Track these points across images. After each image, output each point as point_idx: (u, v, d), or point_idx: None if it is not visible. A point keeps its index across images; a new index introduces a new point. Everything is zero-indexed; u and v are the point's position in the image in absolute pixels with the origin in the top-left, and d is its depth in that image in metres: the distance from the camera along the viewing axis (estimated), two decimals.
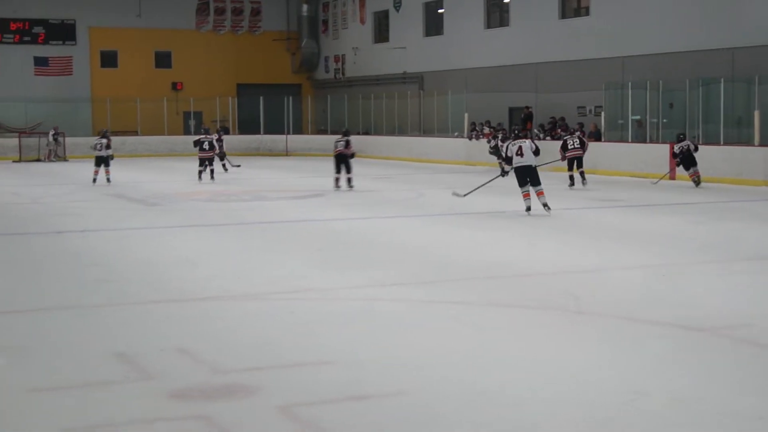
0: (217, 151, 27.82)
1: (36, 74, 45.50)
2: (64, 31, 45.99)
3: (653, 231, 15.06)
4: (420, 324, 8.54)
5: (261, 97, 44.74)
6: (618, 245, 13.42)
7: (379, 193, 22.18)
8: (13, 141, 40.03)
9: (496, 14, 37.54)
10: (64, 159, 38.50)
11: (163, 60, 47.62)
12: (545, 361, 7.18)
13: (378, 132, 41.25)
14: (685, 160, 23.49)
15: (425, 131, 38.69)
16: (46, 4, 45.51)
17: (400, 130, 40.41)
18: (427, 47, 40.75)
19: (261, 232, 15.46)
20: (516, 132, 19.53)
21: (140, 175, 28.79)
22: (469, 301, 9.50)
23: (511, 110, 35.99)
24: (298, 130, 45.89)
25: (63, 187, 25.11)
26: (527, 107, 34.03)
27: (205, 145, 26.52)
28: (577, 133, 24.90)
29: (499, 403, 6.19)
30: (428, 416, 5.94)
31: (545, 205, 17.02)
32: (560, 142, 24.80)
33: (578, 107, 32.30)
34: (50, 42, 45.80)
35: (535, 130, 31.81)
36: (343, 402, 6.21)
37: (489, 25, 37.63)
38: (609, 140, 29.02)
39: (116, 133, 36.27)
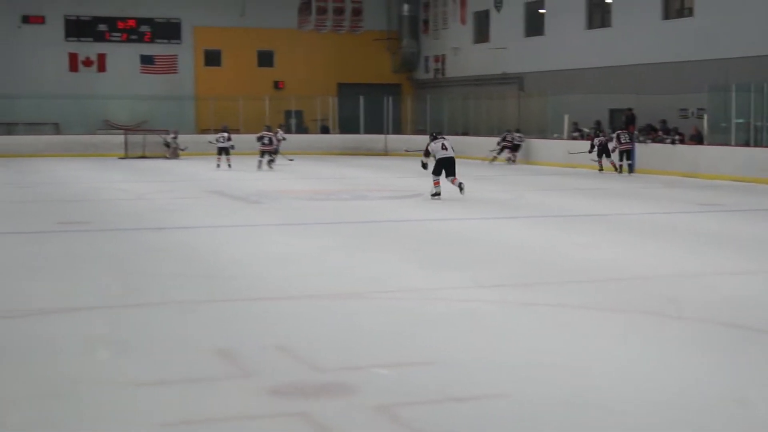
0: (276, 145, 31.88)
1: (142, 72, 46.41)
2: (169, 30, 46.85)
3: (755, 236, 14.78)
4: (520, 325, 8.52)
5: (361, 97, 44.97)
6: (718, 250, 13.20)
7: (478, 194, 22.10)
8: (119, 138, 40.86)
9: (598, 14, 37.19)
10: (177, 156, 39.17)
11: (265, 59, 48.19)
12: (646, 367, 7.09)
13: (476, 133, 41.13)
14: (603, 150, 30.04)
15: (525, 132, 38.47)
16: (152, 4, 46.42)
17: (499, 131, 40.22)
18: (528, 47, 40.52)
19: (360, 231, 15.54)
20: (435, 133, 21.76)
21: (243, 172, 29.15)
22: (568, 303, 9.44)
23: (612, 112, 35.61)
24: (398, 129, 46.00)
25: (167, 183, 25.57)
26: (629, 109, 33.64)
27: (266, 140, 31.35)
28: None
29: (601, 408, 6.13)
30: (529, 419, 5.92)
31: (461, 185, 20.14)
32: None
33: (680, 109, 31.81)
34: (156, 41, 46.68)
35: (636, 132, 31.40)
36: (443, 403, 6.21)
37: (590, 25, 37.31)
38: (711, 143, 28.56)
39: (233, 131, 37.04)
